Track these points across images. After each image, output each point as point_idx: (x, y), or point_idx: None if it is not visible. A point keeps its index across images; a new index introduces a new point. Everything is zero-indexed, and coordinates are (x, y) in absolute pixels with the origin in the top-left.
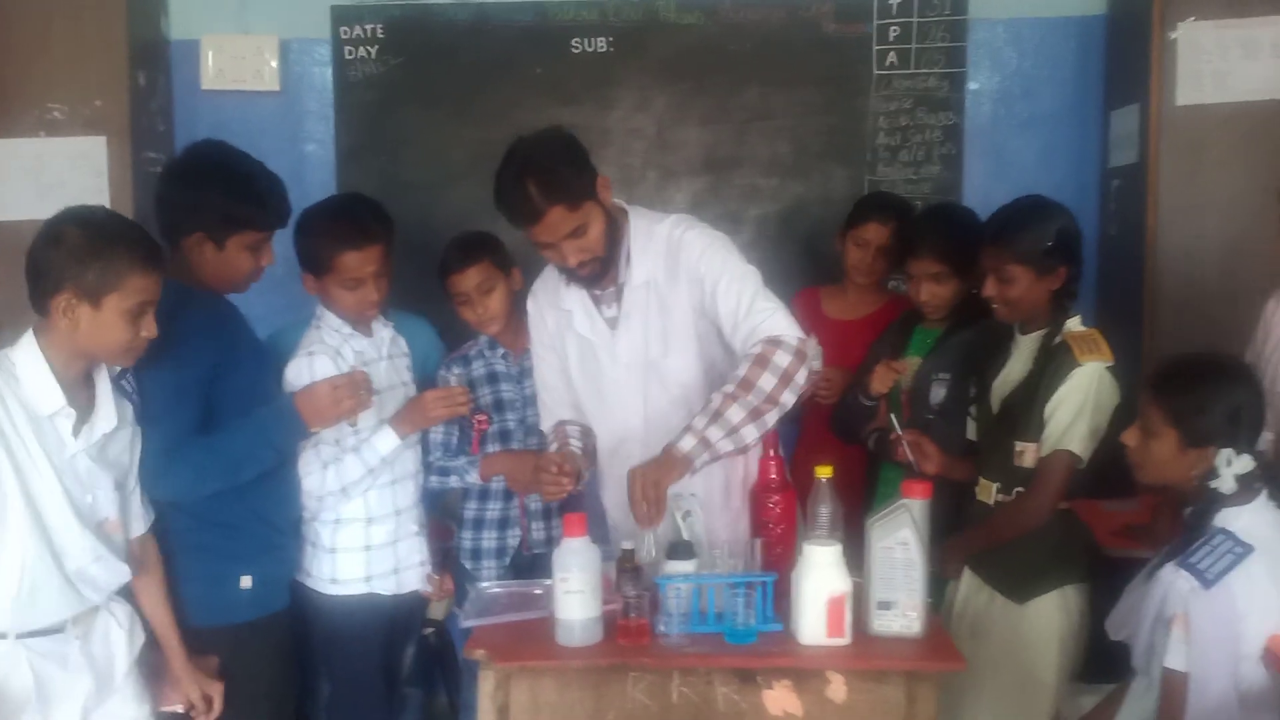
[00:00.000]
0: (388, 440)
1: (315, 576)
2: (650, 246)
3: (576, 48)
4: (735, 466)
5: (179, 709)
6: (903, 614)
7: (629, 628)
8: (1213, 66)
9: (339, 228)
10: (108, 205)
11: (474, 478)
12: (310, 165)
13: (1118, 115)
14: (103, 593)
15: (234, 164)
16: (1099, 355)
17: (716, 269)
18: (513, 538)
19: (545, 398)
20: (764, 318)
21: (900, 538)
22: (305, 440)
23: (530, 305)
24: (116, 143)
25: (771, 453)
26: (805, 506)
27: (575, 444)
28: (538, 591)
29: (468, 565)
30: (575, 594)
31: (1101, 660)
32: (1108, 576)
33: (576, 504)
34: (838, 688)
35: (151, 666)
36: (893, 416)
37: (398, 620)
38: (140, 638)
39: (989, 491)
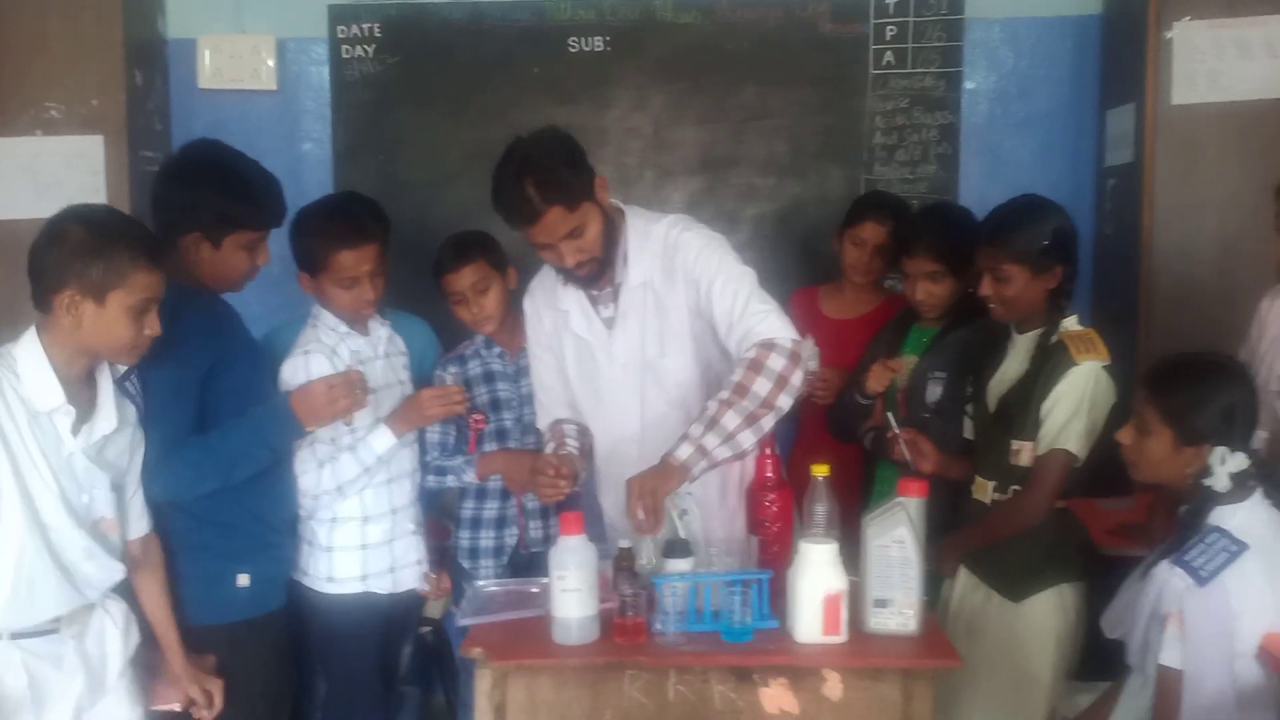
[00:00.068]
0: (384, 439)
1: (312, 575)
2: (647, 247)
3: (573, 47)
4: (732, 465)
5: (176, 708)
6: (899, 612)
7: (625, 626)
8: (1208, 66)
9: (334, 226)
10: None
11: (471, 477)
12: (307, 164)
13: (1113, 115)
14: (96, 590)
15: (230, 163)
16: (1095, 354)
17: (712, 270)
18: (510, 537)
19: (542, 397)
20: (758, 320)
21: (896, 536)
22: (301, 439)
23: (527, 305)
24: (113, 142)
25: (768, 451)
26: (802, 505)
27: (572, 443)
28: (534, 590)
29: (465, 564)
30: (572, 592)
31: (1097, 658)
32: (1103, 575)
33: (574, 503)
34: (834, 686)
35: (149, 665)
36: (890, 415)
37: (394, 619)
38: (135, 637)
39: (985, 490)
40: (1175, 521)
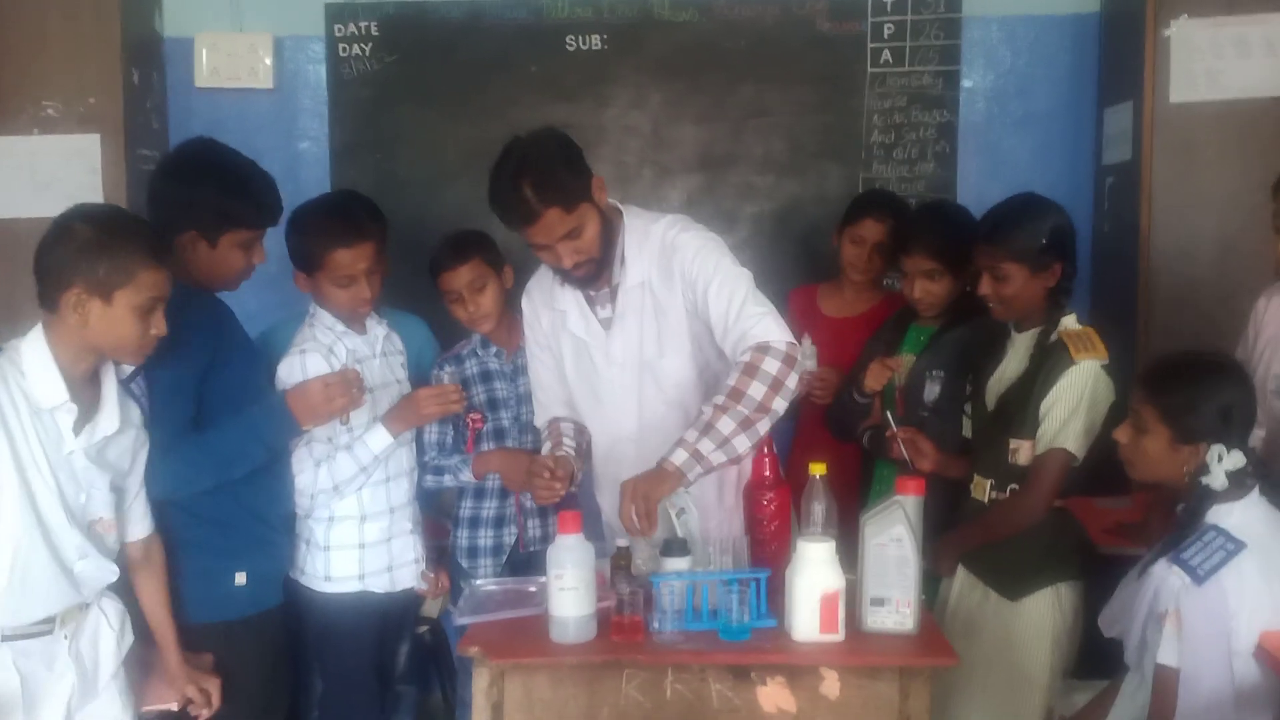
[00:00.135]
0: (380, 438)
1: (309, 574)
2: (645, 247)
3: (571, 45)
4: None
5: (173, 707)
6: (896, 610)
7: (623, 624)
8: (1206, 64)
9: (331, 224)
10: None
11: (467, 476)
12: (304, 163)
13: (1111, 113)
14: (90, 590)
15: (227, 162)
16: (1094, 353)
17: (709, 272)
18: (509, 536)
19: (540, 395)
20: (753, 323)
21: (894, 534)
22: (298, 438)
23: (525, 304)
24: (111, 140)
25: (766, 450)
26: (799, 503)
27: (569, 442)
28: (532, 589)
29: (464, 564)
30: (569, 591)
31: (1094, 657)
32: (1101, 574)
33: (572, 502)
34: (831, 684)
35: (146, 663)
36: (888, 413)
37: (391, 618)
38: (129, 638)
39: (983, 489)
40: (1172, 520)
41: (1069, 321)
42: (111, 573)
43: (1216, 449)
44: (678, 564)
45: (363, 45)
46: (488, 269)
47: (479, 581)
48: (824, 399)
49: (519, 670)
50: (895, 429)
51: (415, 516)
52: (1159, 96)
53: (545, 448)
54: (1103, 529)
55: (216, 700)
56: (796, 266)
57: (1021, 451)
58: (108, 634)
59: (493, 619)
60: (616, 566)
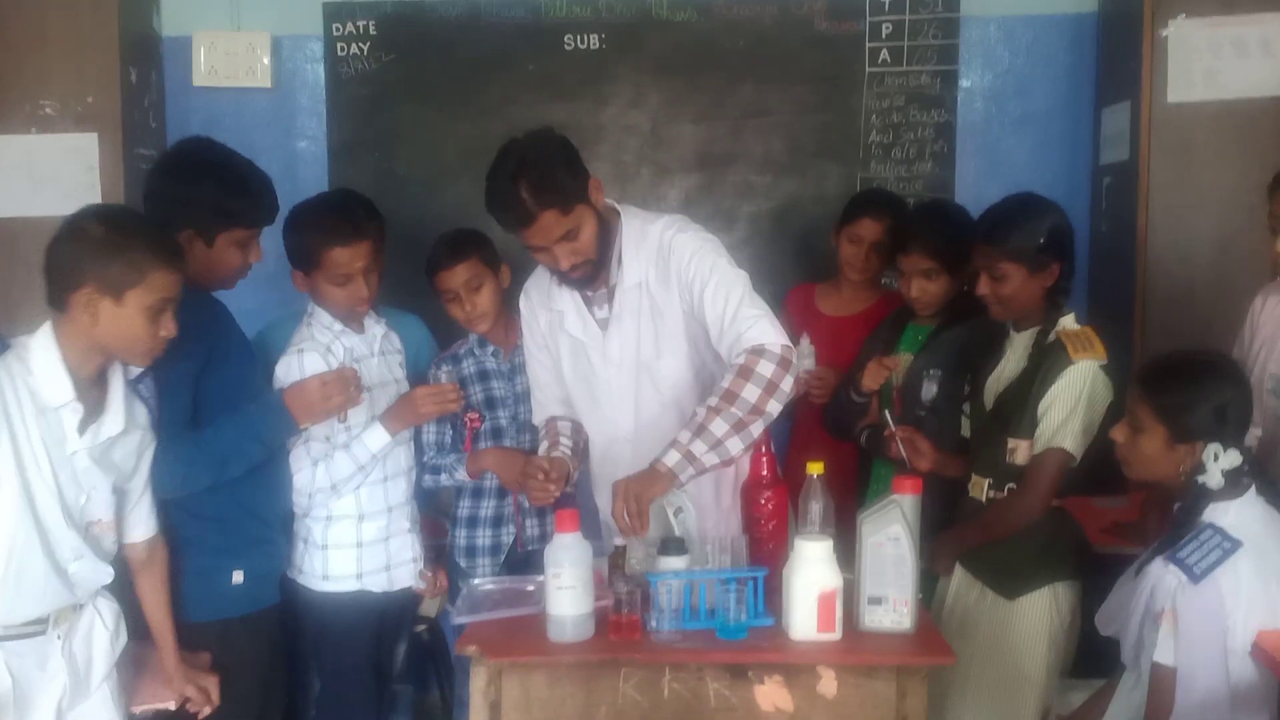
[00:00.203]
0: (378, 437)
1: (307, 573)
2: (643, 248)
3: (569, 44)
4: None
5: (171, 706)
6: (893, 609)
7: (620, 623)
8: (1203, 64)
9: (328, 223)
10: (99, 201)
11: (462, 475)
12: (302, 162)
13: (1109, 113)
14: (84, 591)
15: (224, 160)
16: (1093, 353)
17: (705, 273)
18: (507, 535)
19: (538, 394)
20: (748, 325)
21: (891, 533)
22: (295, 436)
23: (522, 304)
24: (108, 139)
25: (763, 449)
26: (797, 502)
27: (565, 441)
28: (530, 588)
29: (462, 563)
30: (567, 590)
31: (1091, 656)
32: (1098, 573)
33: (569, 501)
34: (828, 683)
35: (144, 662)
36: (886, 413)
37: (389, 617)
38: (123, 640)
39: (981, 488)
40: (1169, 519)
41: (1067, 321)
42: (106, 575)
43: (1213, 448)
44: (675, 563)
45: (361, 44)
46: (484, 268)
47: (477, 581)
48: (821, 398)
49: (516, 669)
50: (894, 428)
51: (413, 516)
52: (1156, 96)
53: (542, 447)
54: (1100, 528)
55: (215, 698)
56: (794, 266)
57: (1019, 451)
58: (102, 635)
59: (490, 618)
60: (614, 565)
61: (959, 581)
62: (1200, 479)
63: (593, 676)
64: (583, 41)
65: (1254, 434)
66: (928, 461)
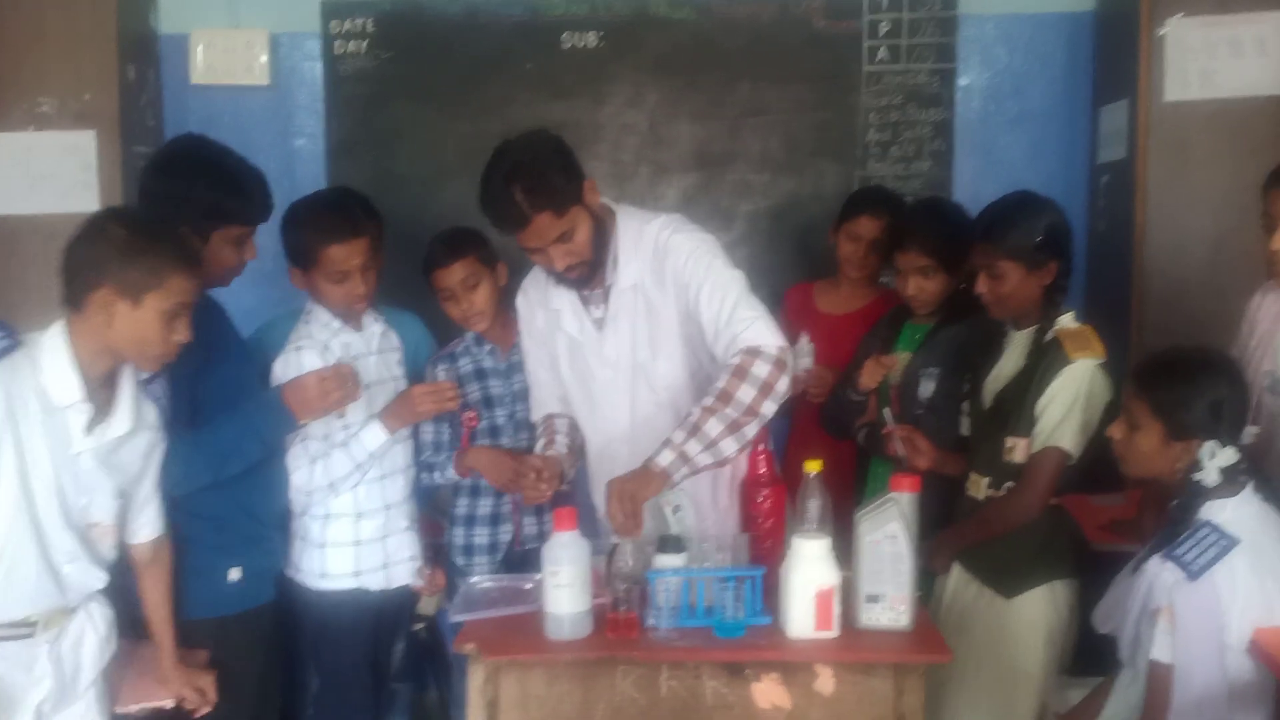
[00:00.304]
0: (376, 436)
1: (305, 571)
2: (638, 249)
3: (567, 43)
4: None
5: (168, 704)
6: (891, 607)
7: (618, 621)
8: (1200, 63)
9: (324, 220)
10: (97, 200)
11: (453, 473)
12: (300, 160)
13: (1106, 111)
14: (76, 595)
15: (218, 158)
16: (1091, 352)
17: (701, 274)
18: (505, 534)
19: (536, 391)
20: (744, 327)
21: (889, 531)
22: (293, 433)
23: (520, 302)
24: (106, 137)
25: (761, 447)
26: (795, 501)
27: (561, 439)
28: (527, 586)
29: (460, 562)
30: (564, 588)
31: (1089, 653)
32: (1096, 571)
33: (568, 499)
34: (826, 680)
35: (141, 661)
36: (885, 411)
37: (387, 615)
38: (113, 646)
39: (979, 486)
40: (1166, 517)
41: (1066, 320)
42: (99, 580)
43: (1209, 445)
44: (673, 561)
45: (359, 42)
46: (481, 267)
47: (474, 579)
48: (819, 398)
49: (514, 667)
50: (892, 426)
51: (412, 514)
52: (1153, 95)
53: (539, 445)
54: (1097, 526)
55: (212, 697)
56: (793, 264)
57: (1017, 449)
58: (92, 640)
59: (488, 616)
60: (612, 563)
61: (957, 579)
62: (1197, 476)
63: (590, 674)
64: (581, 40)
65: (1250, 432)
66: (926, 460)
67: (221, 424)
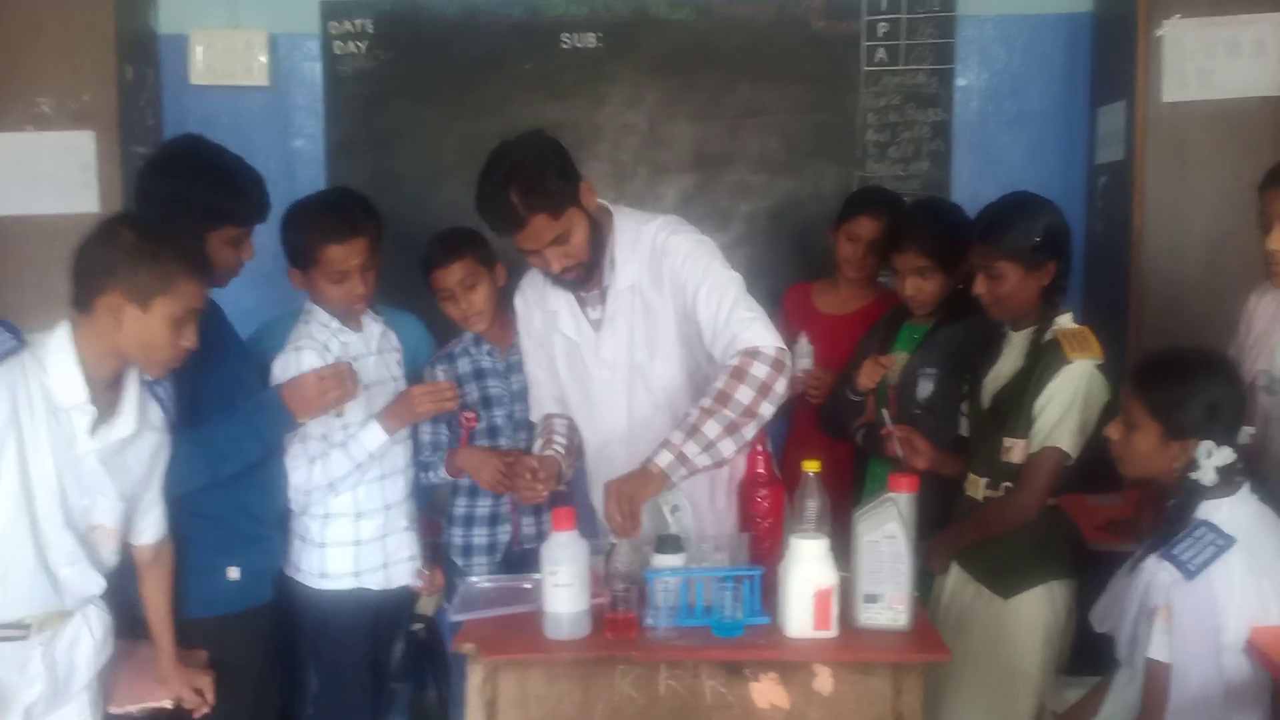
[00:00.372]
0: (375, 436)
1: (304, 571)
2: (636, 250)
3: (566, 43)
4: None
5: (167, 705)
6: (889, 607)
7: (617, 621)
8: (1197, 64)
9: (323, 220)
10: (96, 200)
11: (441, 474)
12: (300, 160)
13: (1104, 112)
14: (73, 598)
15: (215, 158)
16: (1089, 353)
17: (698, 276)
18: (503, 534)
19: (535, 391)
20: (742, 328)
21: (887, 531)
22: (292, 432)
23: (518, 302)
24: (105, 137)
25: (760, 447)
26: (793, 501)
27: (560, 439)
28: (526, 586)
29: (459, 562)
30: (563, 587)
31: (1086, 653)
32: (1093, 570)
33: (567, 499)
34: (824, 680)
35: (140, 661)
36: (884, 411)
37: (386, 615)
38: (109, 650)
39: (977, 487)
40: (1163, 516)
41: (1064, 320)
42: (96, 585)
43: (1206, 445)
44: (672, 561)
45: (358, 43)
46: (480, 267)
47: (473, 579)
48: (818, 399)
49: (513, 667)
50: (890, 426)
51: (411, 514)
52: (1151, 96)
53: (537, 445)
54: (1095, 526)
55: (210, 698)
56: (791, 265)
57: (1015, 450)
58: (87, 644)
59: (487, 616)
60: (610, 563)
61: (955, 579)
62: (1194, 476)
63: (589, 674)
64: (580, 40)
65: (1247, 432)
66: (924, 460)
67: (220, 423)
